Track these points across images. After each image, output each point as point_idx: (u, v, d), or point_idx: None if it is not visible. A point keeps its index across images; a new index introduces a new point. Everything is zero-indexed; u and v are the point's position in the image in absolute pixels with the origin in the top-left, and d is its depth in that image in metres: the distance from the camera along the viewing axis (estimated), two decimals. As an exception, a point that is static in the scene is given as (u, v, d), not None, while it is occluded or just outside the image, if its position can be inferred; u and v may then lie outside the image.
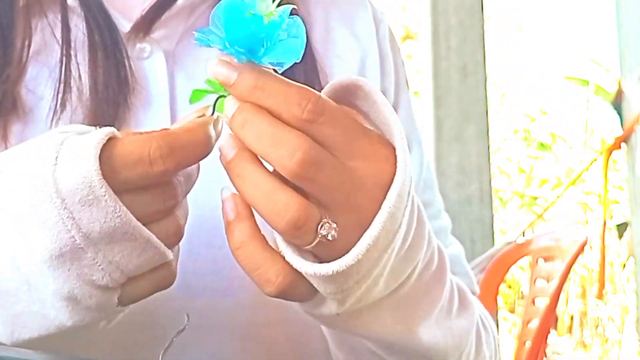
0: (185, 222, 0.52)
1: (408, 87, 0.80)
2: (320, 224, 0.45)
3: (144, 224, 0.47)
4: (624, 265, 4.98)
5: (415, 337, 0.55)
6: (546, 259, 2.16)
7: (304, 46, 0.46)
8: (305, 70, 0.70)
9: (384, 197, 0.47)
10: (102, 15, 0.67)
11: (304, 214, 0.45)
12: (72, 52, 0.65)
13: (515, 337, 3.65)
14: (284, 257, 0.47)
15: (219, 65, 0.47)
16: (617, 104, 2.92)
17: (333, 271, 0.46)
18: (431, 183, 0.79)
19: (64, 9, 0.67)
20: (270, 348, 0.66)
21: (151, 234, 0.48)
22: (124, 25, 0.67)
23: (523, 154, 6.20)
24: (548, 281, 2.07)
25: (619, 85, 2.91)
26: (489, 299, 2.30)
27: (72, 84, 0.64)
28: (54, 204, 0.45)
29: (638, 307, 3.02)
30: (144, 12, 0.67)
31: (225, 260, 0.63)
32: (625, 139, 2.87)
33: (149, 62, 0.67)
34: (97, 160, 0.45)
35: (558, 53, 6.48)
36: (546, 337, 2.05)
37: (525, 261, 2.54)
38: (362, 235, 0.46)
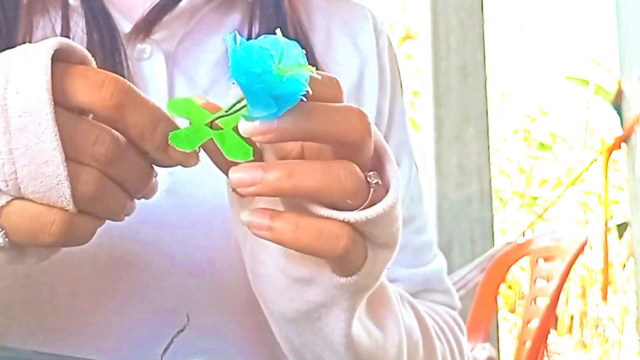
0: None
1: (403, 98, 0.80)
2: (367, 177, 0.47)
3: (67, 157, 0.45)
4: (624, 265, 4.98)
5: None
6: (546, 259, 2.16)
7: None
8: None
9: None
10: (103, 15, 0.67)
11: (358, 172, 0.46)
12: None
13: (515, 337, 3.65)
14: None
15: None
16: (617, 104, 2.92)
17: (392, 202, 0.47)
18: (417, 197, 0.79)
19: (65, 7, 0.67)
20: (262, 348, 0.66)
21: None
22: (125, 26, 0.67)
23: (523, 154, 6.20)
24: (548, 281, 2.07)
25: (619, 85, 2.92)
26: (489, 299, 2.30)
27: None
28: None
29: (638, 307, 3.03)
30: (145, 13, 0.67)
31: (221, 262, 0.64)
32: (625, 139, 2.87)
33: (148, 63, 0.67)
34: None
35: (558, 53, 6.48)
36: (546, 337, 2.05)
37: (525, 261, 2.54)
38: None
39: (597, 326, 5.13)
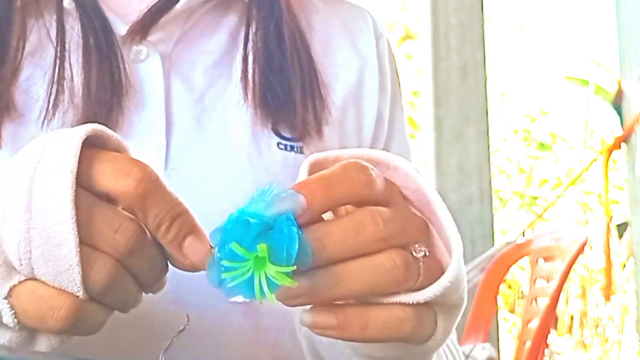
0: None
1: (403, 105, 0.80)
2: (412, 251, 0.46)
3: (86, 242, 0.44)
4: (624, 266, 4.98)
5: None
6: (546, 259, 2.16)
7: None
8: (303, 80, 0.70)
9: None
10: (98, 18, 0.66)
11: (402, 254, 0.45)
12: (66, 54, 0.65)
13: (515, 337, 3.65)
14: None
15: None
16: (617, 104, 2.92)
17: (452, 278, 0.47)
18: None
19: (60, 10, 0.67)
20: (259, 354, 0.66)
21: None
22: (121, 28, 0.67)
23: (523, 154, 6.20)
24: (548, 281, 2.07)
25: (619, 85, 2.91)
26: (489, 299, 2.30)
27: (64, 86, 0.64)
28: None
29: (638, 307, 3.03)
30: (141, 15, 0.67)
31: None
32: (625, 139, 2.87)
33: (145, 64, 0.67)
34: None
35: (558, 53, 6.48)
36: (546, 337, 2.05)
37: (525, 261, 2.54)
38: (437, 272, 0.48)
39: (597, 326, 5.13)
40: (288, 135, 0.68)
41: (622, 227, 4.53)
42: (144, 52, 0.67)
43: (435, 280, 0.47)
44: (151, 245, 0.46)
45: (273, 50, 0.69)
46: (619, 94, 2.90)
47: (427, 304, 0.47)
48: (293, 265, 0.42)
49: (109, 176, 0.44)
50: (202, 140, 0.66)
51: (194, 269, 0.46)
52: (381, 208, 0.46)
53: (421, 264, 0.47)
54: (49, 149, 0.45)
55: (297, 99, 0.69)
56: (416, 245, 0.47)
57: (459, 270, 0.47)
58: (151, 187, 0.44)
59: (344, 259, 0.44)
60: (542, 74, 6.47)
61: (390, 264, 0.45)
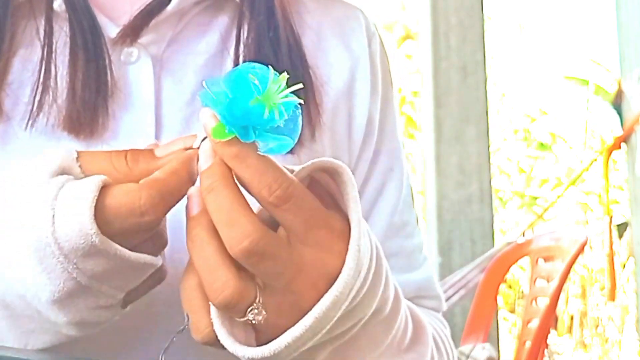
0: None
1: (394, 104, 0.79)
2: (251, 308, 0.48)
3: (136, 248, 0.50)
4: (624, 266, 4.98)
5: None
6: (546, 259, 2.16)
7: (294, 142, 0.49)
8: (297, 76, 0.69)
9: (326, 287, 0.49)
10: (87, 19, 0.66)
11: (237, 297, 0.47)
12: (53, 55, 0.65)
13: (515, 337, 3.65)
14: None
15: (211, 119, 0.49)
16: (617, 104, 2.92)
17: (248, 357, 0.49)
18: (410, 202, 0.78)
19: (49, 11, 0.66)
20: None
21: (146, 257, 0.51)
22: (113, 31, 0.67)
23: (523, 154, 6.20)
24: (548, 281, 2.07)
25: (619, 85, 2.91)
26: (489, 299, 2.30)
27: (50, 87, 0.64)
28: (57, 259, 0.49)
29: (638, 307, 3.03)
30: (132, 18, 0.66)
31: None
32: (625, 139, 2.87)
33: (135, 66, 0.67)
34: (94, 221, 0.48)
35: (558, 53, 6.49)
36: (546, 337, 2.05)
37: (525, 261, 2.54)
38: (298, 316, 0.49)
39: (597, 326, 5.13)
40: None
41: (622, 227, 4.53)
42: (134, 54, 0.67)
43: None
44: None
45: (265, 51, 0.69)
46: (619, 94, 2.90)
47: None
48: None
49: (123, 217, 0.49)
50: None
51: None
52: (278, 240, 0.49)
53: (247, 317, 0.49)
54: (60, 213, 0.49)
55: None
56: (255, 309, 0.49)
57: (300, 338, 0.49)
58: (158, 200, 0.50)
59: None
60: (542, 74, 6.48)
61: (217, 288, 0.48)
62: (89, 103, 0.63)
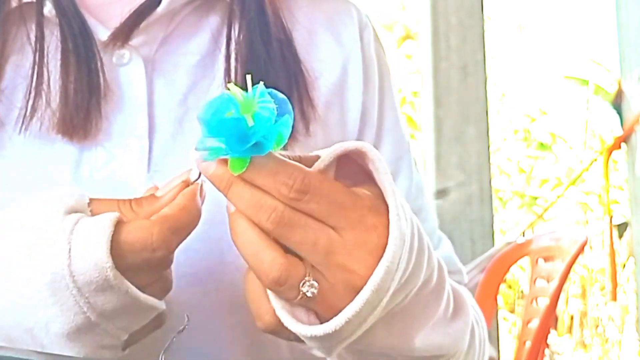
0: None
1: (394, 93, 0.79)
2: (302, 281, 0.49)
3: (144, 289, 0.52)
4: (624, 266, 4.98)
5: (412, 347, 0.57)
6: (546, 259, 2.16)
7: (290, 130, 0.50)
8: (289, 79, 0.70)
9: (376, 261, 0.50)
10: (78, 23, 0.67)
11: (285, 273, 0.49)
12: (45, 59, 0.66)
13: (515, 337, 3.65)
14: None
15: (213, 164, 0.51)
16: (617, 104, 2.92)
17: (311, 335, 0.50)
18: (422, 187, 0.80)
19: (40, 17, 0.67)
20: (256, 349, 0.66)
21: (154, 300, 0.53)
22: (103, 33, 0.67)
23: (523, 154, 6.20)
24: (548, 281, 2.07)
25: (619, 85, 2.91)
26: (489, 299, 2.30)
27: (42, 91, 0.65)
28: (71, 292, 0.50)
29: (638, 307, 3.03)
30: (123, 20, 0.67)
31: (202, 264, 0.65)
32: (625, 139, 2.87)
33: (126, 68, 0.67)
34: (109, 255, 0.49)
35: (558, 53, 6.49)
36: (546, 337, 2.05)
37: (525, 261, 2.54)
38: (353, 295, 0.50)
39: (597, 326, 5.13)
40: None
41: (622, 227, 4.53)
42: (126, 56, 0.67)
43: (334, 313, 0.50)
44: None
45: (256, 48, 0.70)
46: (619, 94, 2.90)
47: None
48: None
49: (137, 253, 0.52)
50: (184, 142, 0.67)
51: None
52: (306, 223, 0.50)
53: (300, 295, 0.50)
54: (76, 247, 0.51)
55: None
56: (308, 282, 0.50)
57: (339, 324, 0.50)
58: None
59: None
60: (542, 74, 6.47)
61: (265, 268, 0.49)
62: (82, 106, 0.64)
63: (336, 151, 0.53)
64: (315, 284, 0.49)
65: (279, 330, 0.51)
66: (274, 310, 0.51)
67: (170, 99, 0.68)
